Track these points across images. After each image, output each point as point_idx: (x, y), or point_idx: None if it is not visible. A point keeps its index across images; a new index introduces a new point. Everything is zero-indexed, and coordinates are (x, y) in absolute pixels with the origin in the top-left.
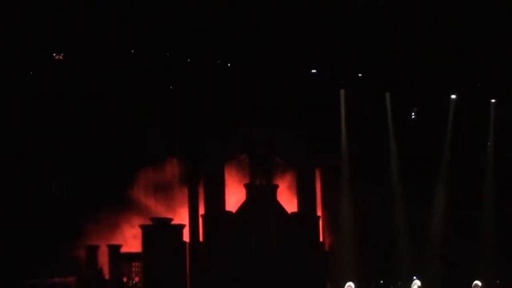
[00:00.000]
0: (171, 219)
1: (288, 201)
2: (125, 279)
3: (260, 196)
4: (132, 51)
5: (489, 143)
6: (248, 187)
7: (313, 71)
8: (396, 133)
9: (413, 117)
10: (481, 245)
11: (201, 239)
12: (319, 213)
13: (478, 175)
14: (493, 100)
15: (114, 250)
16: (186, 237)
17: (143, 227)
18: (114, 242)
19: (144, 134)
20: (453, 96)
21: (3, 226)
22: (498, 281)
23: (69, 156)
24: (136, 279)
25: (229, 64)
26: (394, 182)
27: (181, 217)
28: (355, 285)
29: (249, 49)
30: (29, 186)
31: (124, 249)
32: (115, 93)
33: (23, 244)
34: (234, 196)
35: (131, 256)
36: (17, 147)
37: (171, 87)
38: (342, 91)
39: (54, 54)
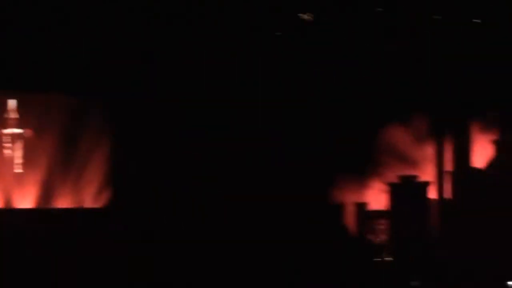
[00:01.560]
0: (417, 176)
1: None
2: (371, 237)
3: (509, 152)
4: None
5: None
6: (497, 143)
7: None
8: None
9: None
10: None
11: (447, 196)
12: None
13: None
14: None
15: (360, 208)
16: (432, 194)
17: (390, 185)
18: (360, 200)
19: (389, 90)
20: None
21: None
22: None
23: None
24: (382, 236)
25: None
26: None
27: (427, 174)
28: None
29: None
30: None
31: (370, 208)
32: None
33: None
34: (482, 154)
35: (377, 214)
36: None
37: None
38: None
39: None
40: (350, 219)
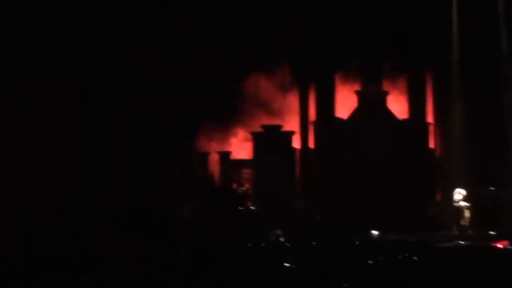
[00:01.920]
0: (281, 126)
1: (399, 108)
2: (235, 185)
3: (371, 103)
4: None
5: None
6: (359, 94)
7: None
8: (509, 36)
9: None
10: None
11: (311, 145)
12: (430, 119)
13: None
14: None
15: (224, 156)
16: (296, 143)
17: (254, 134)
18: (224, 149)
19: (253, 39)
20: None
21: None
22: None
23: (179, 66)
24: (246, 185)
25: None
26: (508, 88)
27: (291, 124)
28: (465, 191)
29: None
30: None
31: (233, 157)
32: None
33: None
34: (345, 104)
35: (241, 163)
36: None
37: None
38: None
39: None
40: (214, 167)
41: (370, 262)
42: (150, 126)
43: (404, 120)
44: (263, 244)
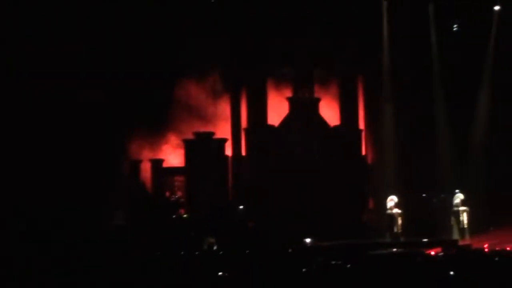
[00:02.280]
0: (213, 133)
1: (331, 114)
2: (167, 193)
3: (303, 109)
4: None
5: None
6: (290, 100)
7: None
8: (438, 45)
9: (455, 29)
10: None
11: (243, 153)
12: (362, 126)
13: None
14: None
15: (156, 164)
16: (228, 151)
17: (186, 142)
18: (156, 157)
19: (185, 45)
20: (497, 8)
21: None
22: None
23: (107, 71)
24: (179, 193)
25: None
26: (437, 94)
27: (224, 131)
28: (397, 198)
29: None
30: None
31: (166, 164)
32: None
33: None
34: (277, 110)
35: (174, 170)
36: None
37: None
38: (384, 3)
39: None
40: (146, 175)
41: (304, 269)
42: (78, 131)
43: (336, 127)
44: (196, 252)
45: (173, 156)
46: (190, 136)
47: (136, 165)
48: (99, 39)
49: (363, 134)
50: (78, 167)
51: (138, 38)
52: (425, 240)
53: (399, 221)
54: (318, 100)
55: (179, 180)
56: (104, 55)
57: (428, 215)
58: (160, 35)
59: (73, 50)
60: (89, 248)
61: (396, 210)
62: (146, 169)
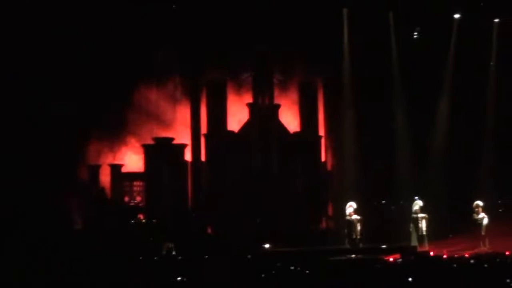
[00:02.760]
0: (172, 139)
1: (290, 120)
2: (126, 198)
3: (262, 116)
4: None
5: (491, 63)
6: (250, 106)
7: None
8: (398, 52)
9: (415, 36)
10: (482, 163)
11: (203, 158)
12: (321, 132)
13: (479, 94)
14: (496, 20)
15: (116, 169)
16: (188, 156)
17: (145, 147)
18: (116, 162)
19: (144, 50)
20: (457, 16)
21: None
22: (499, 201)
23: (67, 77)
24: (138, 198)
25: None
26: (396, 102)
27: (183, 136)
28: (356, 205)
29: None
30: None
31: (125, 169)
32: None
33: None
34: (237, 116)
35: (133, 176)
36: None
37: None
38: (345, 10)
39: None
40: (105, 180)
41: (263, 275)
42: (36, 136)
43: (296, 133)
44: (155, 258)
45: (132, 161)
46: (149, 141)
47: (95, 170)
48: (58, 43)
49: (323, 140)
50: (35, 171)
51: (99, 43)
52: (384, 246)
53: (358, 227)
54: (278, 106)
55: (138, 185)
56: (64, 59)
57: (387, 222)
58: (120, 40)
59: (33, 55)
60: (47, 252)
61: (355, 216)
62: (105, 174)
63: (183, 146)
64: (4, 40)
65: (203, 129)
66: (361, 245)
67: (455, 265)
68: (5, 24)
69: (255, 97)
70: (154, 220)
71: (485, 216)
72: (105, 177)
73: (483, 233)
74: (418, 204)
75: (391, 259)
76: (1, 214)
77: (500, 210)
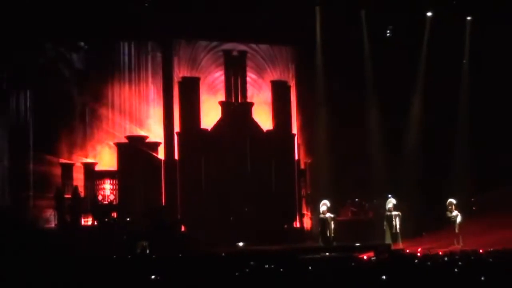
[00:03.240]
0: (146, 137)
1: (263, 119)
2: (100, 197)
3: (235, 114)
4: None
5: (464, 61)
6: (223, 105)
7: None
8: (371, 51)
9: (388, 34)
10: (455, 162)
11: (176, 157)
12: (295, 130)
13: (453, 92)
14: (469, 18)
15: (89, 168)
16: (161, 154)
17: (118, 145)
18: (89, 160)
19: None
20: (429, 14)
21: None
22: (472, 199)
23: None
24: (111, 196)
25: None
26: (369, 100)
27: (157, 134)
28: (330, 203)
29: None
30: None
31: (98, 168)
32: None
33: None
34: (209, 114)
35: (106, 174)
36: None
37: None
38: (317, 8)
39: None
40: (78, 178)
41: (237, 273)
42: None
43: (269, 131)
44: (129, 256)
45: (105, 159)
46: (123, 139)
47: (68, 168)
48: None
49: (296, 138)
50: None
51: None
52: (357, 244)
53: (332, 225)
54: (251, 105)
55: (112, 183)
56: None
57: (360, 220)
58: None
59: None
60: (18, 251)
61: (329, 215)
62: (78, 172)
63: (156, 144)
64: None
65: (176, 127)
66: (334, 243)
67: (429, 263)
68: None
69: (227, 95)
70: (127, 219)
71: (459, 214)
72: (78, 175)
73: (456, 231)
74: (391, 202)
75: (365, 257)
76: None
77: (474, 208)
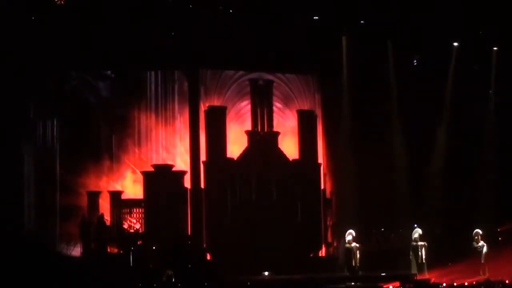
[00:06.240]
0: (172, 166)
1: (290, 148)
2: (126, 225)
3: (262, 143)
4: None
5: (490, 91)
6: (249, 134)
7: (315, 17)
8: (397, 80)
9: (415, 64)
10: (481, 192)
11: (202, 186)
12: (321, 160)
13: (479, 123)
14: (495, 48)
15: (115, 196)
16: (187, 183)
17: (145, 174)
18: (115, 189)
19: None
20: (455, 44)
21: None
22: (498, 229)
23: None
24: (138, 225)
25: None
26: (395, 129)
27: (183, 163)
28: (356, 232)
29: None
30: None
31: (125, 196)
32: None
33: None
34: (236, 143)
35: (132, 203)
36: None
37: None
38: (344, 38)
39: None
40: (105, 207)
41: None
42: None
43: (295, 161)
44: (154, 285)
45: (132, 187)
46: (149, 168)
47: (94, 196)
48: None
49: (321, 167)
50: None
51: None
52: (383, 274)
53: (358, 255)
54: (277, 134)
55: (138, 212)
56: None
57: (386, 249)
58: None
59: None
60: (44, 278)
61: (354, 244)
62: (105, 201)
63: (182, 173)
64: None
65: (203, 156)
66: (360, 272)
67: None
68: None
69: (254, 125)
70: (153, 247)
71: (485, 244)
72: (104, 204)
73: (482, 261)
74: (417, 232)
75: (390, 287)
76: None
77: (500, 239)
